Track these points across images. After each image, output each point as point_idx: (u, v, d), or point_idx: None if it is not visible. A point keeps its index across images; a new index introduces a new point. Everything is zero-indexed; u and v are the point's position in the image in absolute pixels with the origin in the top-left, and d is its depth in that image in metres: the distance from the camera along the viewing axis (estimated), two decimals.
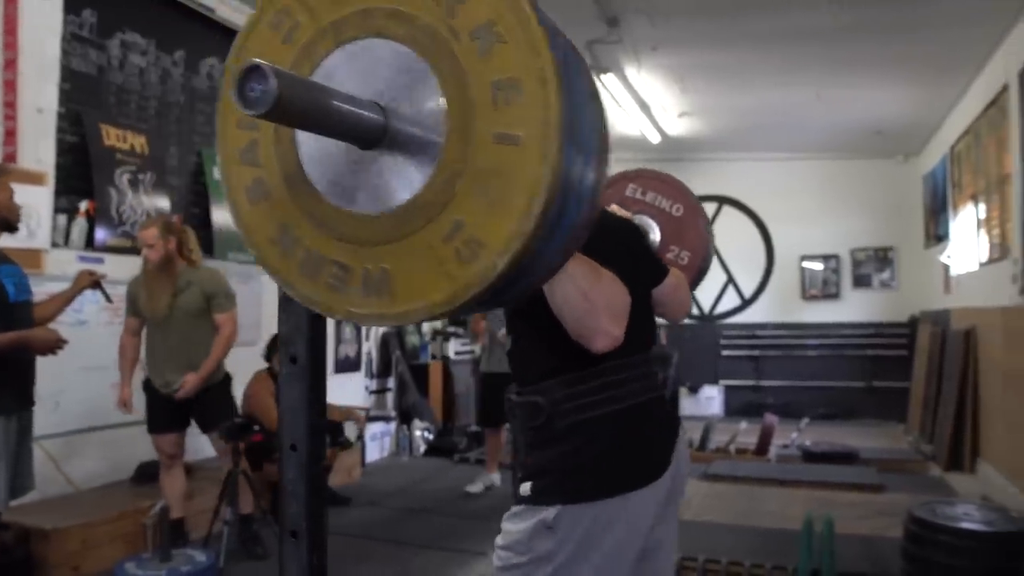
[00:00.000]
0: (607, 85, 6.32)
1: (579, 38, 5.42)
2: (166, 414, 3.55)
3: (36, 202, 3.64)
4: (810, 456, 5.61)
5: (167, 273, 3.50)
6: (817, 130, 7.66)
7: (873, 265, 8.94)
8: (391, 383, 6.55)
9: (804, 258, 9.07)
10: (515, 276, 0.74)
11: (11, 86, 3.63)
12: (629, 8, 4.86)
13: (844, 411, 8.36)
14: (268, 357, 4.38)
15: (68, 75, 3.93)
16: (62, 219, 3.91)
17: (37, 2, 3.74)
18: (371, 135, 0.76)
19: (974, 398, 5.56)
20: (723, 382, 9.28)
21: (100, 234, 4.04)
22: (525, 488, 1.44)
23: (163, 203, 4.41)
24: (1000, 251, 5.25)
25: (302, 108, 0.69)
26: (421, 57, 0.75)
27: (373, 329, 6.47)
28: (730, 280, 9.17)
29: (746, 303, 8.91)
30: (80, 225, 3.99)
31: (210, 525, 3.53)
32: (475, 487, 5.00)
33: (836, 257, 9.04)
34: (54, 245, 3.84)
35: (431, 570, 3.58)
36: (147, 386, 3.61)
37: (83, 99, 4.02)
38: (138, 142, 4.30)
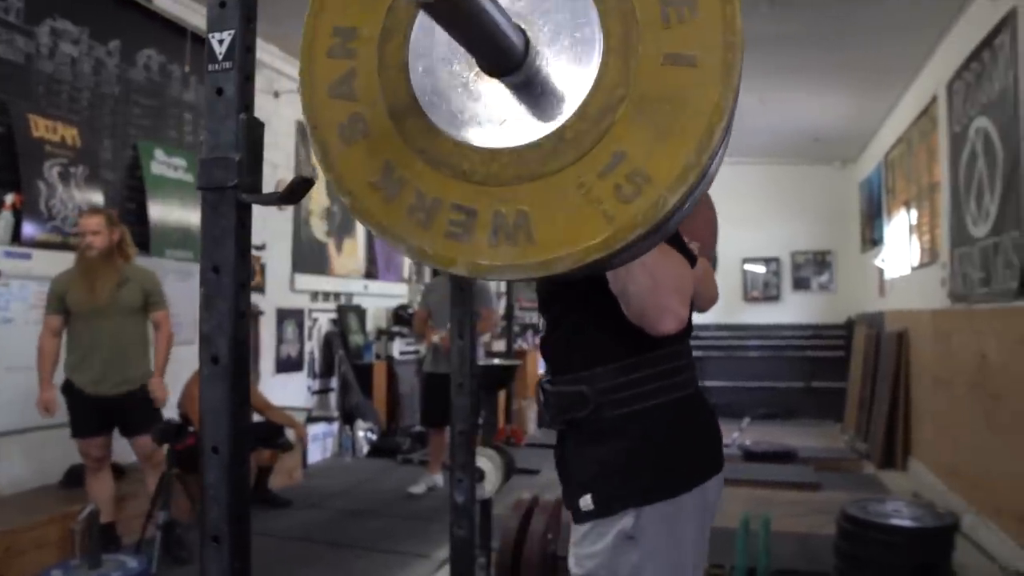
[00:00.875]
0: None
1: None
2: (91, 417, 3.42)
3: None
4: (750, 456, 5.72)
5: (109, 264, 3.40)
6: (760, 135, 7.82)
7: (812, 268, 9.17)
8: (334, 383, 6.45)
9: (746, 261, 9.25)
10: (672, 216, 0.64)
11: None
12: None
13: (784, 411, 8.55)
14: None
15: None
16: None
17: None
18: (513, 56, 0.66)
19: (906, 398, 5.75)
20: None
21: (28, 229, 3.88)
22: (586, 502, 1.28)
23: (96, 197, 4.26)
24: (930, 256, 5.44)
25: (467, 6, 0.58)
26: None
27: (316, 328, 6.36)
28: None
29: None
30: (6, 219, 3.82)
31: (143, 529, 3.42)
32: (418, 488, 4.95)
33: (777, 260, 9.25)
34: None
35: (373, 573, 3.53)
36: (68, 388, 3.45)
37: (9, 88, 3.85)
38: (69, 134, 4.14)
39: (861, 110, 6.83)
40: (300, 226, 6.19)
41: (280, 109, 5.90)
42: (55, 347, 3.46)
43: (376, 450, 6.12)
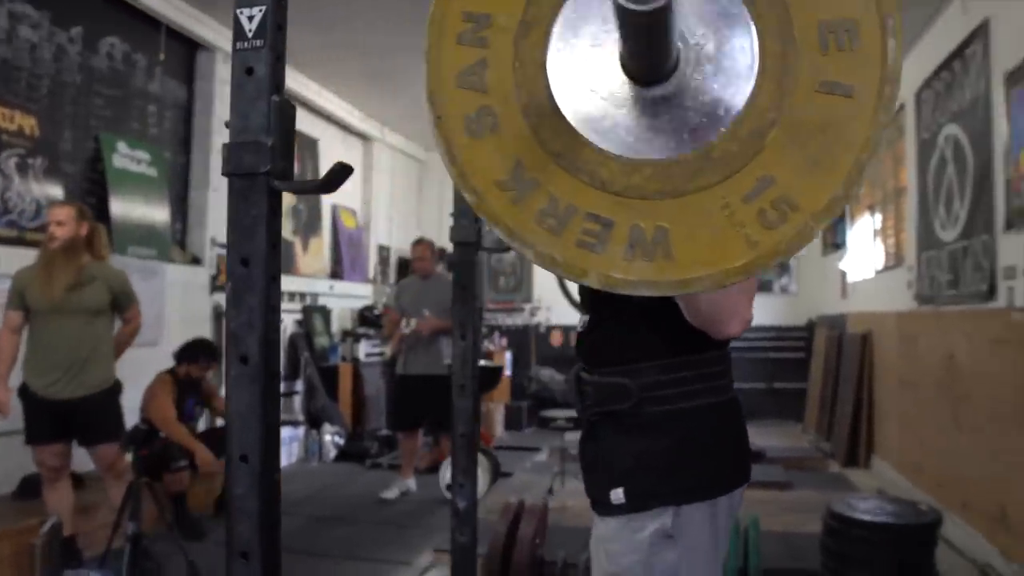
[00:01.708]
0: None
1: None
2: (48, 423, 3.22)
3: None
4: None
5: (71, 258, 3.21)
6: None
7: (774, 271, 9.33)
8: (299, 386, 6.30)
9: None
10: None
11: None
12: None
13: (747, 412, 8.57)
14: (179, 360, 4.09)
15: None
16: None
17: None
18: (664, 66, 0.63)
19: (869, 398, 5.86)
20: None
21: None
22: (617, 495, 1.26)
23: (55, 191, 4.07)
24: (895, 259, 5.56)
25: (667, 18, 0.55)
26: None
27: (280, 331, 6.20)
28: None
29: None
30: None
31: (108, 542, 3.25)
32: (390, 493, 4.85)
33: None
34: None
35: None
36: (24, 392, 3.25)
37: None
38: (27, 123, 3.94)
39: None
40: None
41: None
42: (13, 345, 3.26)
43: (343, 454, 5.99)
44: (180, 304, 4.92)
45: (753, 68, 0.65)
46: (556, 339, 10.01)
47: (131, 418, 3.60)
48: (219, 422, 4.76)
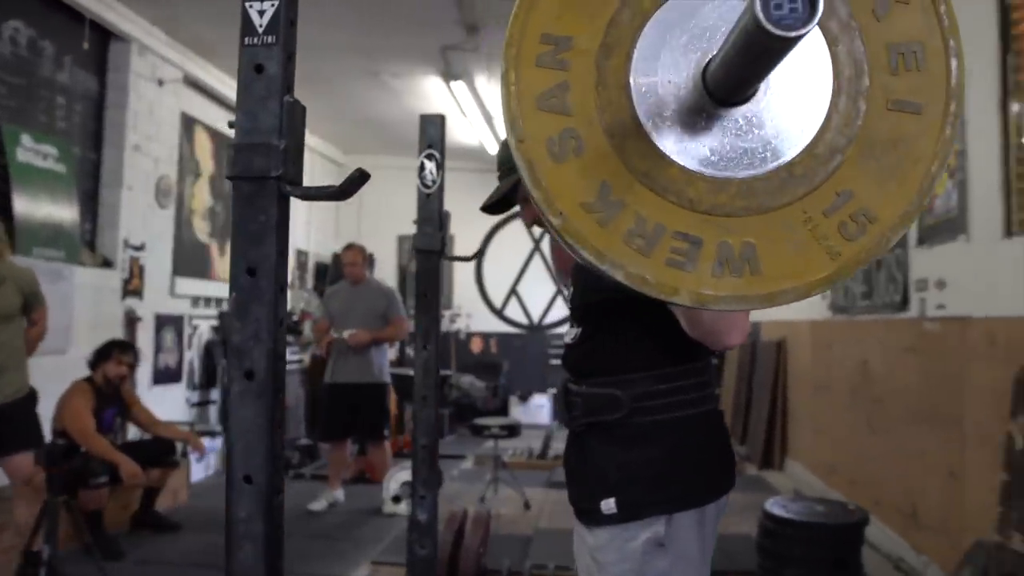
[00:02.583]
0: (456, 93, 6.29)
1: (434, 42, 5.34)
2: None
3: None
4: None
5: None
6: None
7: None
8: (215, 395, 6.04)
9: None
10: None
11: None
12: (491, 17, 4.85)
13: None
14: (94, 365, 3.84)
15: None
16: None
17: None
18: (755, 87, 0.66)
19: (784, 403, 6.13)
20: (551, 391, 9.54)
21: None
22: (608, 505, 1.28)
23: None
24: None
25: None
26: None
27: (196, 337, 5.93)
28: (559, 291, 9.47)
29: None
30: None
31: (21, 566, 3.02)
32: (318, 504, 4.71)
33: None
34: None
35: None
36: None
37: None
38: None
39: None
40: (182, 227, 5.75)
41: (164, 98, 5.46)
42: None
43: None
44: (90, 310, 4.62)
45: (828, 88, 0.68)
46: (476, 346, 10.00)
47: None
48: (132, 434, 4.50)
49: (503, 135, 6.46)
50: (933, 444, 3.60)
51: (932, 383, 3.65)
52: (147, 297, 5.23)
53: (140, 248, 5.18)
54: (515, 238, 9.00)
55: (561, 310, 9.47)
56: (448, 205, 2.22)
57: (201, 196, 6.09)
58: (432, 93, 6.58)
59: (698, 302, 0.67)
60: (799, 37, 0.51)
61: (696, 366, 1.36)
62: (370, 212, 9.07)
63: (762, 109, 0.68)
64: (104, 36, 5.03)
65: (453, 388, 8.85)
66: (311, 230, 8.35)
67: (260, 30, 1.04)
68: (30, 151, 4.33)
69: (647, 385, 1.32)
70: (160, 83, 5.37)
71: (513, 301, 9.63)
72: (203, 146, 6.15)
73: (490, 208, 1.63)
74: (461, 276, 9.26)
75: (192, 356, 5.84)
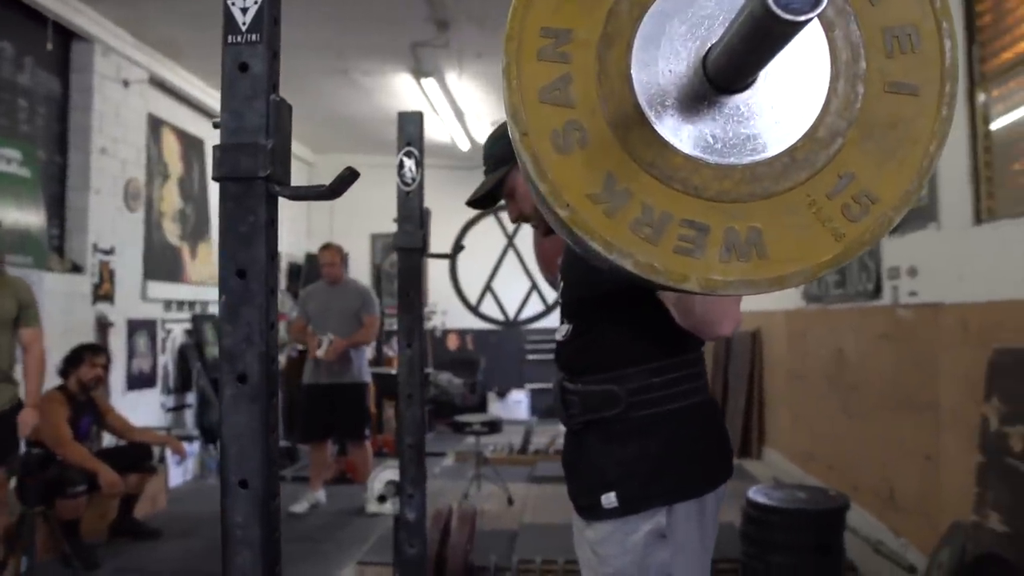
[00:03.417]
0: (427, 90, 6.25)
1: (405, 39, 5.31)
2: None
3: None
4: None
5: None
6: None
7: None
8: (191, 399, 5.96)
9: None
10: None
11: None
12: (462, 13, 4.83)
13: None
14: (65, 373, 3.76)
15: None
16: None
17: None
18: (757, 74, 0.66)
19: (760, 392, 6.20)
20: (529, 386, 9.56)
21: None
22: (609, 499, 1.29)
23: None
24: None
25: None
26: None
27: (170, 341, 5.84)
28: (534, 287, 9.48)
29: (549, 309, 9.26)
30: None
31: None
32: (299, 507, 4.67)
33: None
34: None
35: None
36: None
37: None
38: None
39: None
40: (152, 229, 5.66)
41: (130, 100, 5.36)
42: None
43: None
44: (60, 316, 4.53)
45: (827, 73, 0.69)
46: (453, 342, 9.98)
47: None
48: (106, 441, 4.43)
49: (476, 132, 6.46)
50: (909, 429, 3.67)
51: (906, 369, 3.71)
52: (118, 302, 5.14)
53: (110, 252, 5.09)
54: (489, 235, 8.99)
55: (537, 305, 9.48)
56: None
57: (171, 198, 5.99)
58: (403, 91, 6.54)
59: (708, 288, 0.67)
60: (807, 21, 0.52)
61: (689, 357, 1.37)
62: (343, 211, 9.00)
63: (762, 95, 0.68)
64: (67, 37, 4.92)
65: (431, 386, 8.83)
66: (283, 230, 8.25)
67: (243, 28, 1.03)
68: None
69: (642, 379, 1.33)
70: (126, 84, 5.27)
71: (488, 297, 9.63)
72: (171, 148, 6.05)
73: (476, 203, 1.62)
74: (435, 273, 9.22)
75: (166, 360, 5.76)
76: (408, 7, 4.75)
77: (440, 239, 6.42)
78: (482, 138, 8.04)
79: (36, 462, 2.94)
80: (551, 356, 1.53)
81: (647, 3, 0.69)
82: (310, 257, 8.27)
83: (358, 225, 9.00)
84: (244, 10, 1.04)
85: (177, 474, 5.29)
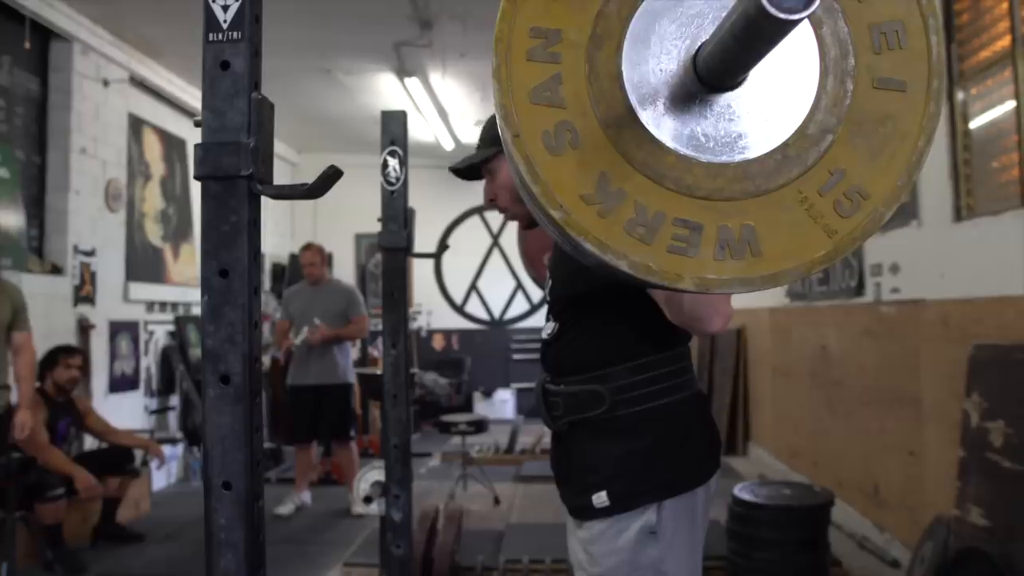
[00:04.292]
0: (410, 90, 6.24)
1: (388, 38, 5.29)
2: None
3: None
4: None
5: None
6: None
7: None
8: (174, 401, 5.91)
9: None
10: None
11: None
12: (445, 13, 4.81)
13: None
14: (41, 375, 3.72)
15: None
16: None
17: None
18: (747, 72, 0.66)
19: (745, 389, 6.23)
20: (514, 385, 9.56)
21: None
22: (600, 499, 1.28)
23: None
24: None
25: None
26: None
27: (152, 343, 5.79)
28: (519, 286, 9.49)
29: (534, 308, 9.27)
30: None
31: None
32: (285, 508, 4.65)
33: None
34: None
35: None
36: None
37: None
38: None
39: None
40: (133, 230, 5.60)
41: (110, 99, 5.30)
42: None
43: None
44: (40, 318, 4.45)
45: (816, 70, 0.69)
46: (438, 343, 9.96)
47: None
48: (88, 444, 4.38)
49: (460, 131, 6.44)
50: (892, 424, 3.70)
51: (889, 365, 3.74)
52: (100, 303, 5.09)
53: (91, 253, 5.03)
54: (473, 234, 8.99)
55: (522, 305, 9.47)
56: None
57: (152, 199, 5.94)
58: (386, 90, 6.52)
59: (702, 287, 0.67)
60: (801, 19, 0.52)
61: (675, 353, 1.37)
62: (326, 211, 8.96)
63: (753, 93, 0.68)
64: (45, 36, 4.86)
65: (416, 386, 8.81)
66: (266, 231, 8.21)
67: (224, 26, 1.02)
68: None
69: (626, 377, 1.32)
70: (105, 84, 5.21)
71: (474, 297, 9.62)
72: (152, 148, 5.99)
73: (460, 172, 1.60)
74: (420, 273, 9.21)
75: (149, 362, 5.70)
76: (391, 6, 4.73)
77: (425, 239, 6.40)
78: (466, 137, 8.04)
79: (15, 466, 2.90)
80: (537, 356, 1.52)
81: (636, 3, 0.69)
82: (294, 258, 8.23)
83: (342, 225, 8.97)
84: (225, 7, 1.03)
85: (160, 477, 5.25)
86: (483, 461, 5.44)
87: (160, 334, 5.89)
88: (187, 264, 6.38)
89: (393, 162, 2.17)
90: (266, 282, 8.29)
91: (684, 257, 0.67)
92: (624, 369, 1.33)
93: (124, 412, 5.16)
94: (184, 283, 6.28)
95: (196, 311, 6.39)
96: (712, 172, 0.67)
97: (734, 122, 0.68)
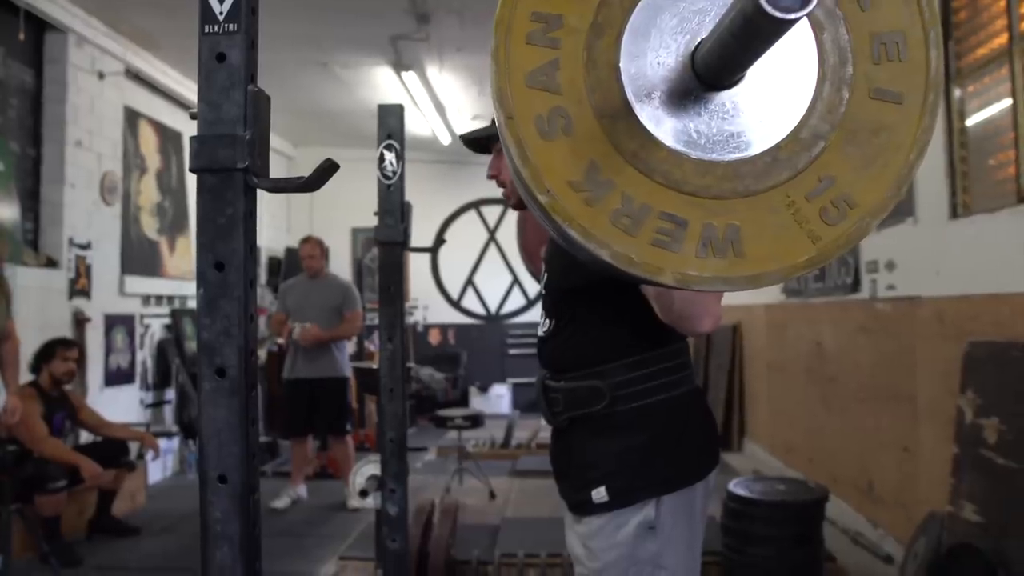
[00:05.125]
0: (407, 84, 6.22)
1: (385, 32, 5.27)
2: None
3: None
4: None
5: None
6: None
7: None
8: (170, 395, 5.90)
9: None
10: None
11: None
12: (442, 7, 4.80)
13: None
14: (36, 368, 3.71)
15: None
16: None
17: None
18: (745, 71, 0.66)
19: (740, 385, 6.25)
20: (511, 380, 9.57)
21: None
22: (599, 494, 1.29)
23: None
24: None
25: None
26: None
27: (148, 336, 5.78)
28: (515, 281, 9.49)
29: (531, 303, 9.28)
30: None
31: None
32: (281, 502, 4.65)
33: None
34: None
35: None
36: None
37: None
38: None
39: None
40: (129, 223, 5.58)
41: (105, 92, 5.28)
42: None
43: None
44: (35, 311, 4.46)
45: (813, 76, 0.69)
46: (434, 337, 9.96)
47: None
48: (83, 438, 4.37)
49: (457, 125, 6.41)
50: (887, 421, 3.71)
51: (884, 362, 3.75)
52: (95, 297, 5.07)
53: (86, 247, 5.02)
54: (470, 229, 8.98)
55: (518, 300, 9.48)
56: None
57: (148, 192, 5.92)
58: (383, 84, 6.50)
59: (682, 282, 0.67)
60: (798, 19, 0.52)
61: (672, 348, 1.37)
62: (323, 205, 8.95)
63: (749, 94, 0.68)
64: (39, 27, 4.84)
65: (413, 380, 8.81)
66: (261, 225, 8.19)
67: (220, 18, 1.01)
68: None
69: (625, 373, 1.33)
70: (101, 76, 5.19)
71: (470, 292, 9.63)
72: (148, 141, 5.97)
73: (470, 143, 1.59)
74: (417, 268, 9.21)
75: (145, 356, 5.69)
76: (388, 0, 4.72)
77: (422, 234, 6.41)
78: (463, 131, 8.03)
79: (11, 459, 2.90)
80: (533, 350, 1.52)
81: None
82: (290, 252, 8.22)
83: (339, 220, 8.96)
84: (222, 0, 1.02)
85: (156, 471, 5.25)
86: (479, 456, 5.44)
87: (156, 327, 5.88)
88: (183, 257, 6.36)
89: (390, 156, 2.17)
90: (262, 276, 8.28)
91: (667, 251, 0.67)
92: (621, 365, 1.33)
93: (120, 406, 5.15)
94: (180, 276, 6.27)
95: (192, 304, 6.38)
96: (702, 169, 0.67)
97: (728, 121, 0.68)
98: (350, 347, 6.82)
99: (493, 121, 1.57)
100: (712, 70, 0.66)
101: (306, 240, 4.93)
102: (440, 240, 2.79)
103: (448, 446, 6.06)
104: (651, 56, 0.69)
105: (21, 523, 3.03)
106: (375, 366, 6.07)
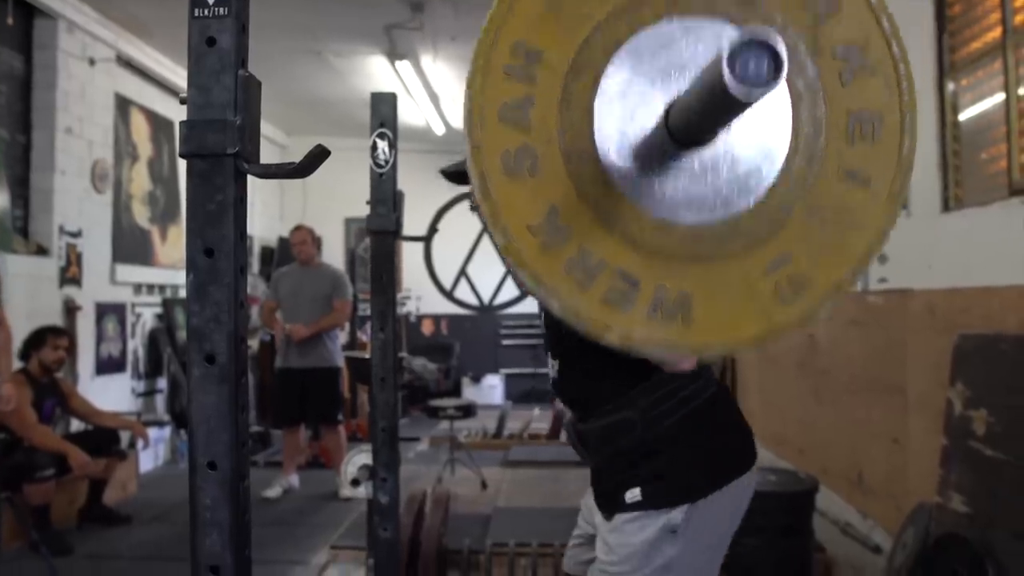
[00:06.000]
0: (401, 73, 6.19)
1: (379, 20, 5.24)
2: None
3: None
4: None
5: None
6: None
7: None
8: (162, 384, 5.88)
9: None
10: None
11: None
12: None
13: None
14: (25, 355, 3.69)
15: None
16: None
17: None
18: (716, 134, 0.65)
19: (733, 377, 6.26)
20: (503, 370, 9.57)
21: None
22: (633, 494, 1.28)
23: None
24: None
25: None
26: None
27: (140, 324, 5.76)
28: (509, 272, 9.49)
29: (524, 294, 9.29)
30: None
31: None
32: (273, 491, 4.65)
33: None
34: None
35: None
36: None
37: None
38: None
39: None
40: (120, 212, 5.55)
41: (96, 78, 5.24)
42: None
43: None
44: (25, 299, 4.43)
45: (786, 146, 0.68)
46: (427, 328, 9.95)
47: None
48: (74, 426, 4.36)
49: (451, 115, 6.38)
50: (877, 412, 3.73)
51: (876, 354, 3.76)
52: (86, 285, 5.05)
53: (77, 234, 4.99)
54: (463, 219, 8.95)
55: (512, 290, 9.48)
56: None
57: (140, 180, 5.89)
58: (377, 73, 6.48)
59: (626, 344, 0.66)
60: (757, 100, 0.51)
61: None
62: (316, 194, 8.92)
63: (720, 157, 0.67)
64: (28, 12, 4.79)
65: (405, 371, 8.81)
66: (253, 213, 8.16)
67: (211, 1, 1.00)
68: None
69: (648, 395, 1.32)
70: (91, 62, 5.15)
71: (463, 282, 9.62)
72: (140, 128, 5.93)
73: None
74: (409, 258, 9.18)
75: (136, 345, 5.67)
76: None
77: (417, 223, 6.38)
78: (457, 122, 8.00)
79: (2, 448, 2.89)
80: (526, 341, 1.51)
81: (623, 39, 0.67)
82: (283, 241, 8.19)
83: (332, 209, 8.93)
84: None
85: (148, 460, 5.24)
86: (471, 446, 5.45)
87: (148, 316, 5.86)
88: (175, 246, 6.33)
89: (382, 144, 2.16)
90: (255, 265, 8.25)
91: (616, 310, 0.66)
92: (644, 388, 1.32)
93: (111, 394, 5.14)
94: (172, 265, 6.24)
95: (184, 293, 6.34)
96: (661, 229, 0.66)
97: (694, 183, 0.67)
98: (343, 337, 6.81)
99: None
100: (681, 131, 0.65)
101: (297, 228, 4.92)
102: (433, 230, 2.78)
103: (440, 436, 6.07)
104: (627, 105, 0.67)
105: (10, 512, 3.01)
106: (367, 356, 6.06)
